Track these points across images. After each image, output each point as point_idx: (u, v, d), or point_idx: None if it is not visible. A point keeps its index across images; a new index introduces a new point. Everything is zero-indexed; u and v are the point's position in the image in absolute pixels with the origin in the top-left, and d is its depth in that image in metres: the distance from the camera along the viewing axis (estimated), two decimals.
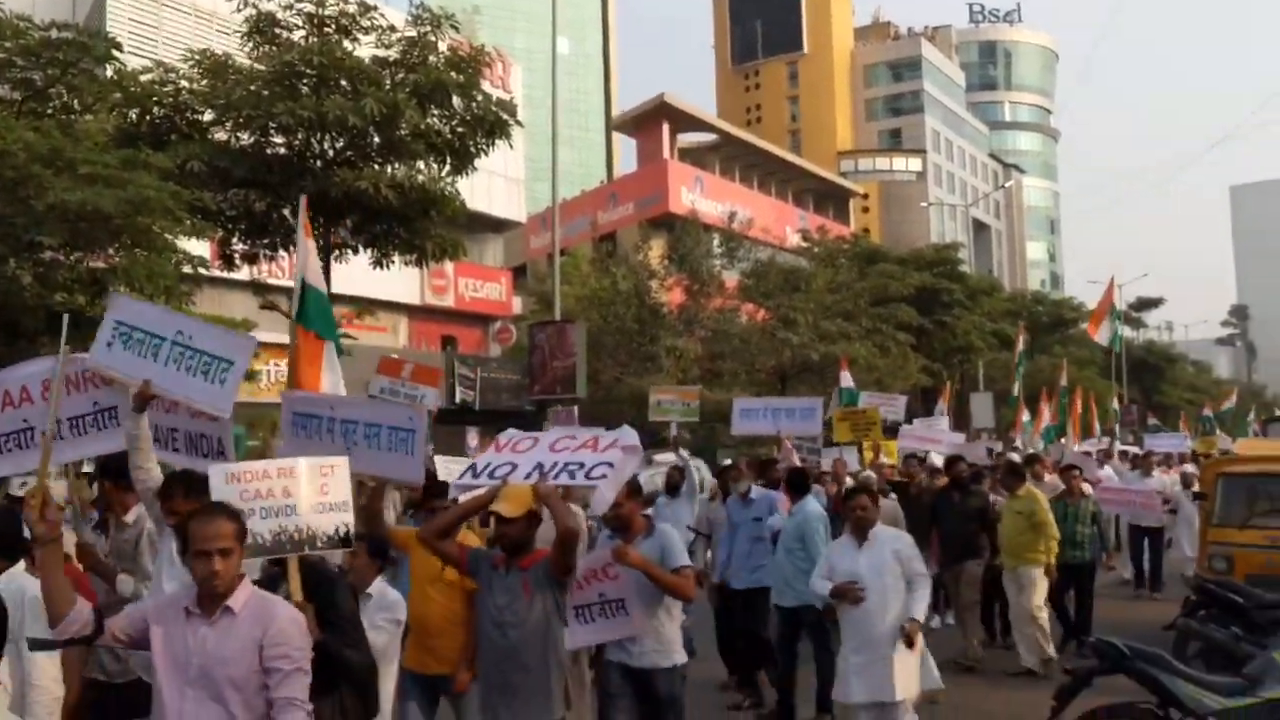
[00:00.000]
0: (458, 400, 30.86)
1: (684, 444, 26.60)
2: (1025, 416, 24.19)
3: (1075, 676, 6.23)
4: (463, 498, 5.15)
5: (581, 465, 4.86)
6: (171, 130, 15.77)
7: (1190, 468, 15.65)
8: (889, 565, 6.34)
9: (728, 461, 13.48)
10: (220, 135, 15.89)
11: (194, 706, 3.55)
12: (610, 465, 4.83)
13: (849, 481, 11.75)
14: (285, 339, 23.95)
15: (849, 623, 6.40)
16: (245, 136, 15.74)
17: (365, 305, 23.99)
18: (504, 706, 4.64)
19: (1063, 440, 22.15)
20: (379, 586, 5.22)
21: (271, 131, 15.57)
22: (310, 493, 4.37)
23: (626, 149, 73.70)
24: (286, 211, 16.51)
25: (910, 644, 6.17)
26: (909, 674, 6.22)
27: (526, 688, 4.61)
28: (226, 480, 4.28)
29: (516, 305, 37.95)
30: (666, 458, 16.85)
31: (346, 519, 4.39)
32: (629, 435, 5.08)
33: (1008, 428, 28.65)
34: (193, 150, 14.85)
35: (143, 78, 15.46)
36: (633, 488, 5.82)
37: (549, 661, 4.65)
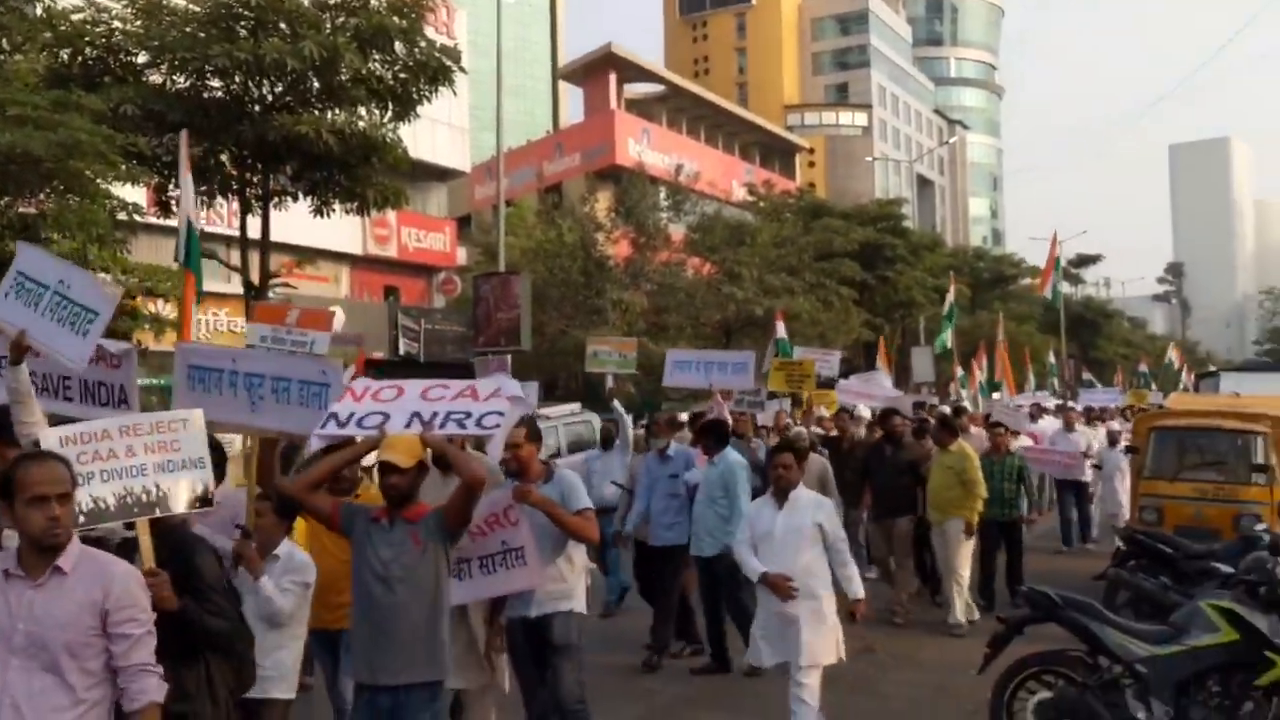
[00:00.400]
0: (401, 352, 30.60)
1: (628, 397, 26.54)
2: (960, 371, 24.51)
3: (1008, 625, 6.37)
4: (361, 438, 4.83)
5: (468, 414, 4.60)
6: (104, 72, 15.37)
7: (1115, 424, 15.72)
8: (806, 530, 6.20)
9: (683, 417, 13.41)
10: (155, 78, 15.52)
11: (20, 677, 3.20)
12: (501, 414, 4.62)
13: (790, 432, 11.80)
14: (223, 288, 23.60)
15: (761, 587, 6.29)
16: (181, 79, 15.38)
17: (305, 255, 23.62)
18: (385, 667, 4.40)
19: (996, 395, 22.42)
20: (287, 548, 4.98)
21: (208, 75, 15.22)
22: (159, 450, 4.03)
23: (573, 99, 73.00)
24: (225, 157, 16.18)
25: (855, 618, 6.17)
26: (820, 640, 6.10)
27: (414, 647, 4.39)
28: (61, 444, 3.89)
29: (461, 256, 37.59)
30: (559, 411, 16.67)
31: (203, 476, 4.09)
32: (511, 385, 4.92)
33: (948, 382, 28.98)
34: (126, 93, 14.48)
35: (74, 17, 15.02)
36: (532, 431, 5.73)
37: (438, 618, 4.46)
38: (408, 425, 4.55)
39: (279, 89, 15.75)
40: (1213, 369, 31.10)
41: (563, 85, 73.74)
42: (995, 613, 8.82)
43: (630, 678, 8.28)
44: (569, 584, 5.66)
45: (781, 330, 16.39)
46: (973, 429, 12.64)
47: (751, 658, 6.37)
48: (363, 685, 4.48)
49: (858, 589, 6.18)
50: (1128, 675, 5.74)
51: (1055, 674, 6.03)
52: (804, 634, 6.04)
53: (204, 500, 4.14)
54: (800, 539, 6.17)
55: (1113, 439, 14.57)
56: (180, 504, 4.04)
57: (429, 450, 4.55)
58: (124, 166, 13.52)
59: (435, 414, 4.61)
